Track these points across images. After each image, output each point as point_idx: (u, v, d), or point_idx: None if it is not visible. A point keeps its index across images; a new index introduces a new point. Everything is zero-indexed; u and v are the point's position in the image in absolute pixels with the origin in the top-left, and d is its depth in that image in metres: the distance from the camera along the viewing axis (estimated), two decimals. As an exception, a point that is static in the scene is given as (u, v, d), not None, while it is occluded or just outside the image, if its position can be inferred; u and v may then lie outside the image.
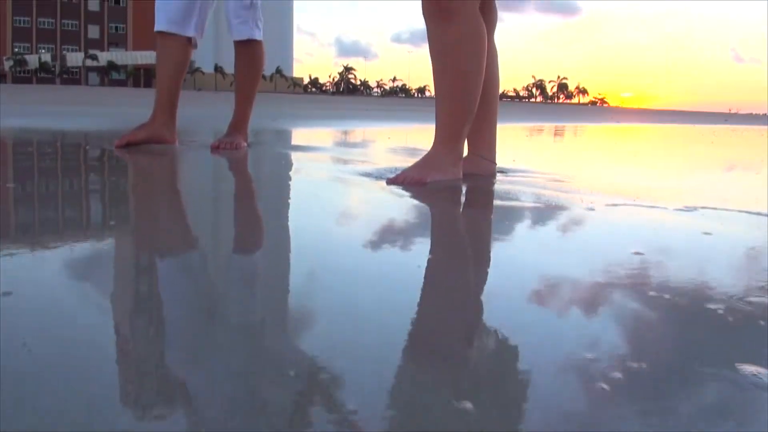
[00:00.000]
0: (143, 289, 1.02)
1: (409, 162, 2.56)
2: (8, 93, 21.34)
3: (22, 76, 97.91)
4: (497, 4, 2.38)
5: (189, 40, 3.15)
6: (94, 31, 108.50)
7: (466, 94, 2.13)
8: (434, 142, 2.17)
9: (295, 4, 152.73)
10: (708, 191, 2.46)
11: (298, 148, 3.63)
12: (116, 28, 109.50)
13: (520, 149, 4.58)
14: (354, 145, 4.41)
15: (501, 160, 2.44)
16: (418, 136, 5.77)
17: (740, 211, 1.79)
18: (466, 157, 2.30)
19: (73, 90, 34.31)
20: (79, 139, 3.90)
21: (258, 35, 3.18)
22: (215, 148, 3.11)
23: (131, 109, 10.03)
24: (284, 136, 4.98)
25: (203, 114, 8.82)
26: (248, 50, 3.21)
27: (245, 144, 3.22)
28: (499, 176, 2.36)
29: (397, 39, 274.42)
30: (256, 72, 3.28)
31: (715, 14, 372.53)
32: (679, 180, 2.97)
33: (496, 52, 2.43)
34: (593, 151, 5.00)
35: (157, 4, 3.14)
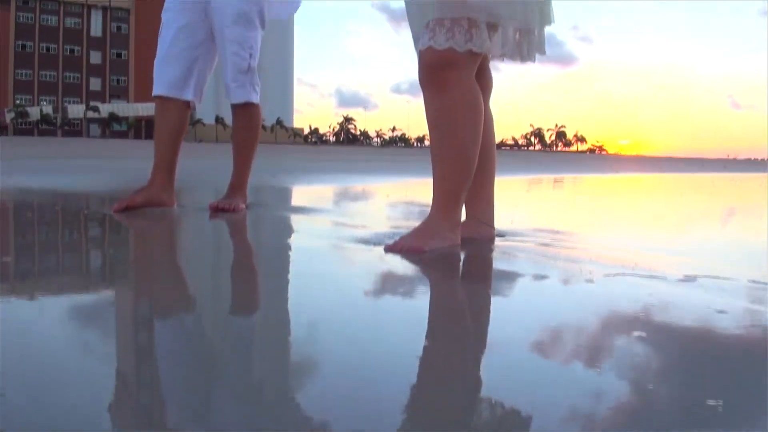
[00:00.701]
0: (144, 364, 1.02)
1: (407, 225, 2.56)
2: (10, 146, 21.48)
3: (24, 127, 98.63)
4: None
5: (187, 103, 3.18)
6: (95, 84, 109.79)
7: (462, 162, 2.13)
8: (431, 209, 2.17)
9: (296, 57, 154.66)
10: (706, 254, 2.45)
11: (297, 209, 3.63)
12: (118, 80, 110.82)
13: (519, 205, 4.58)
14: (353, 206, 4.41)
15: (499, 218, 2.44)
16: (417, 192, 5.77)
17: (746, 281, 1.76)
18: (464, 222, 2.30)
19: (74, 143, 34.51)
20: (79, 201, 3.91)
21: (255, 98, 3.20)
22: (214, 209, 3.11)
23: (131, 163, 10.08)
24: (284, 195, 4.99)
25: (204, 167, 8.85)
26: (246, 113, 3.23)
27: (243, 206, 3.22)
28: (497, 241, 2.35)
29: (397, 89, 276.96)
30: (254, 135, 3.29)
31: (712, 63, 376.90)
32: (678, 240, 2.95)
33: (492, 117, 2.44)
34: (591, 208, 5.01)
35: (155, 68, 3.17)
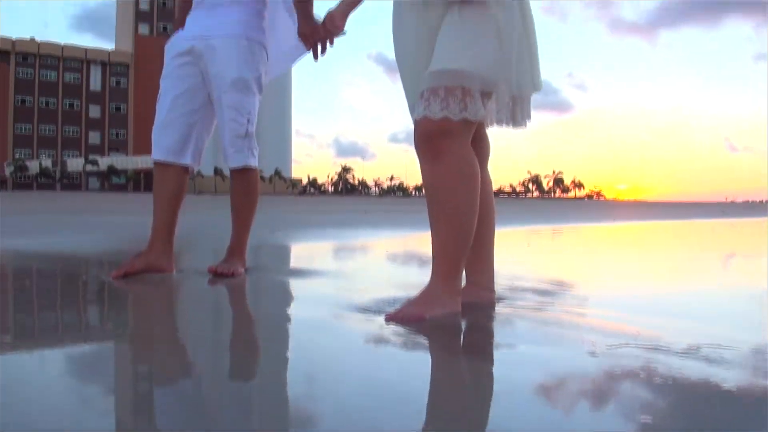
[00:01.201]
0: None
1: (408, 287, 2.55)
2: (9, 200, 21.56)
3: (23, 181, 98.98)
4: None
5: (186, 168, 3.20)
6: (94, 137, 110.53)
7: (460, 230, 2.14)
8: (431, 276, 2.17)
9: (294, 109, 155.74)
10: (707, 315, 2.44)
11: (295, 273, 3.60)
12: (117, 134, 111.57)
13: (518, 262, 4.57)
14: (352, 266, 4.39)
15: (500, 276, 2.43)
16: (417, 246, 5.77)
17: (747, 349, 1.75)
18: (464, 287, 2.29)
19: (72, 197, 34.66)
20: (79, 265, 3.89)
21: (253, 163, 3.22)
22: (212, 273, 3.11)
23: (131, 218, 10.09)
24: (282, 255, 4.97)
25: (203, 222, 8.86)
26: (244, 177, 3.24)
27: (242, 270, 3.21)
28: (497, 307, 2.34)
29: (394, 139, 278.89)
30: (252, 199, 3.30)
31: (707, 107, 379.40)
32: (677, 299, 2.94)
33: (490, 182, 2.45)
34: (591, 264, 4.99)
35: (154, 134, 3.19)
